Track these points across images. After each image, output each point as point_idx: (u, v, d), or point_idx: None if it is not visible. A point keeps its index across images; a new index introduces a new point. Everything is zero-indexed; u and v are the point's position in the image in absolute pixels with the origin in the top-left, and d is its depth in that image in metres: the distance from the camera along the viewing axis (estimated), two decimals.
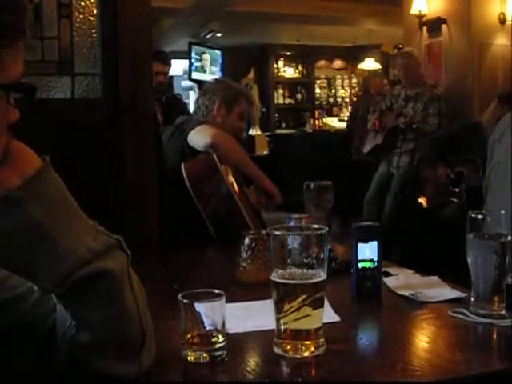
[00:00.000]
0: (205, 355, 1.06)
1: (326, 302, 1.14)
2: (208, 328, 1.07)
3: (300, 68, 11.97)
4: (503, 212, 1.30)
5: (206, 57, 9.76)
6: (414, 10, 5.98)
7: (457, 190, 4.14)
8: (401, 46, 7.18)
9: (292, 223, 1.67)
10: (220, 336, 1.07)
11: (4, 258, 0.85)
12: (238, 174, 2.46)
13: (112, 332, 0.90)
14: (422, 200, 4.41)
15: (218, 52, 10.09)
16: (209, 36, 9.75)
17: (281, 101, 11.39)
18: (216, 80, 2.90)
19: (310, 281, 1.06)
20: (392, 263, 1.73)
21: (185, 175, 2.28)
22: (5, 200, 0.82)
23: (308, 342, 1.08)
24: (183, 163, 2.33)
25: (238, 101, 2.72)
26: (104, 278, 0.88)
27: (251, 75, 11.38)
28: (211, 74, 9.53)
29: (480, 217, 1.30)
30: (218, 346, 1.07)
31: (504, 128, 2.39)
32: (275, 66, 11.69)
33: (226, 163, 2.36)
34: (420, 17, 5.99)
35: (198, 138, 2.49)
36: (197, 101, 2.85)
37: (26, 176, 0.84)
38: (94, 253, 0.87)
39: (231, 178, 2.34)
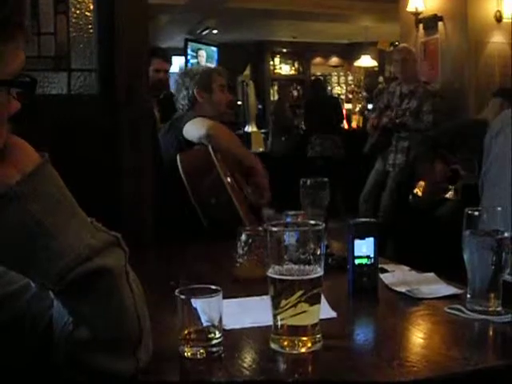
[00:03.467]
0: (202, 351, 1.06)
1: (323, 298, 1.14)
2: (205, 324, 1.07)
3: (296, 65, 11.98)
4: (499, 209, 1.30)
5: (202, 53, 9.74)
6: (411, 7, 5.99)
7: (452, 187, 4.14)
8: (397, 43, 7.19)
9: (288, 220, 1.67)
10: (217, 332, 1.07)
11: (1, 254, 0.84)
12: (237, 169, 2.47)
13: (109, 329, 0.90)
14: (418, 190, 4.40)
15: (214, 49, 10.08)
16: (205, 33, 9.75)
17: (277, 98, 11.37)
18: (182, 73, 2.89)
19: (307, 277, 1.07)
20: (388, 260, 1.73)
21: (180, 166, 2.29)
22: (4, 196, 0.82)
23: (305, 338, 1.08)
24: (179, 154, 2.35)
25: (211, 78, 2.74)
26: (102, 276, 0.88)
27: (247, 72, 11.39)
28: None
29: (476, 213, 1.30)
30: (214, 341, 1.07)
31: (500, 125, 2.39)
32: (271, 63, 11.70)
33: (221, 153, 2.36)
34: (416, 14, 5.99)
35: (193, 130, 2.50)
36: (177, 100, 2.84)
37: (25, 172, 0.84)
38: (92, 250, 0.87)
39: (227, 171, 2.35)
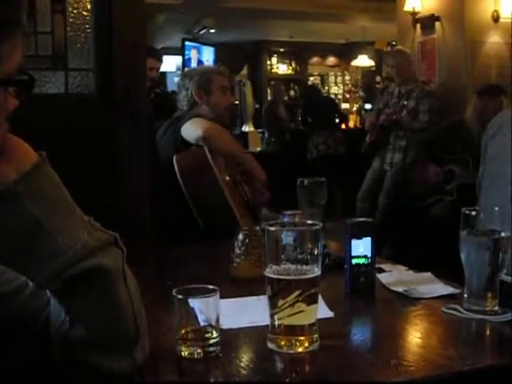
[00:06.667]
0: (199, 351, 1.06)
1: (320, 298, 1.14)
2: (202, 324, 1.07)
3: (293, 65, 11.97)
4: (496, 208, 1.30)
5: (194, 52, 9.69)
6: (408, 7, 5.99)
7: (448, 187, 4.15)
8: (394, 43, 7.19)
9: (286, 219, 1.67)
10: (214, 332, 1.07)
11: None
12: (236, 170, 2.47)
13: (106, 328, 0.90)
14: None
15: (212, 48, 10.07)
16: (202, 32, 9.73)
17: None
18: (183, 74, 2.92)
19: (305, 276, 1.07)
20: (385, 259, 1.73)
21: (176, 168, 2.30)
22: (1, 195, 0.82)
23: (302, 338, 1.08)
24: (175, 156, 2.36)
25: (211, 79, 2.75)
26: (98, 275, 0.88)
27: (244, 72, 11.37)
28: None
29: (473, 213, 1.30)
30: (212, 341, 1.07)
31: (498, 125, 2.38)
32: (268, 62, 11.69)
33: (218, 155, 2.36)
34: (413, 14, 5.99)
35: (191, 130, 2.51)
36: (178, 100, 2.86)
37: (23, 171, 0.84)
38: (89, 249, 0.87)
39: (224, 172, 2.35)
